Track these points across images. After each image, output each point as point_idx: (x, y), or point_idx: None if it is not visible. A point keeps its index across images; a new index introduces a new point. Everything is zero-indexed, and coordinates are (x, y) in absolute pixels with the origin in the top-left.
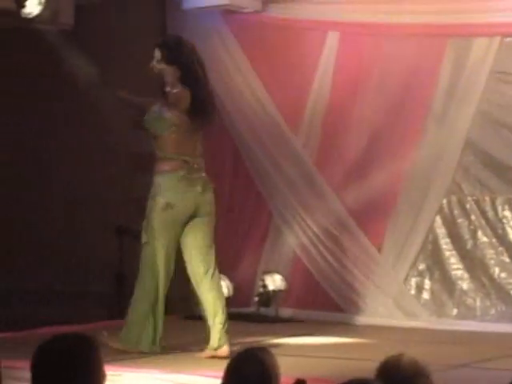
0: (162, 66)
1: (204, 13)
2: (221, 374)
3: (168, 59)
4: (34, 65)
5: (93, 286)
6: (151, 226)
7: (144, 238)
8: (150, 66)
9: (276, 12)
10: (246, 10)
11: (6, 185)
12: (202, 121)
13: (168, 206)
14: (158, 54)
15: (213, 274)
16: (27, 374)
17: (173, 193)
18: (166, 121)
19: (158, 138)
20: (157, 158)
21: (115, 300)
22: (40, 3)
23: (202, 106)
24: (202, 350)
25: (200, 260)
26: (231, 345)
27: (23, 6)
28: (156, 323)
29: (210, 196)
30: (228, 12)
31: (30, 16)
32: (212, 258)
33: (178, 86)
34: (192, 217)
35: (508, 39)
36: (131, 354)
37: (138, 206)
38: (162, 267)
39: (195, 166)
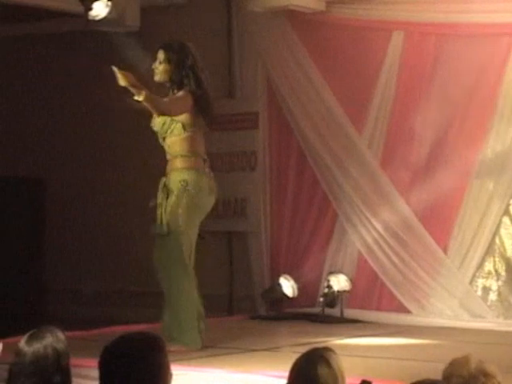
0: (166, 67)
1: (269, 13)
2: (286, 373)
3: (172, 61)
4: (101, 66)
5: (160, 286)
6: (183, 221)
7: (172, 234)
8: (152, 67)
9: (340, 12)
10: (310, 11)
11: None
12: (206, 121)
13: (200, 201)
14: (161, 55)
15: None
16: (95, 373)
17: (201, 189)
18: (179, 122)
19: (175, 139)
20: (175, 155)
21: None
22: (107, 6)
23: (207, 107)
24: (266, 349)
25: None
26: (296, 345)
27: (90, 9)
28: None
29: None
30: (292, 13)
31: (97, 18)
32: None
33: (180, 87)
34: None
35: None
36: (195, 354)
37: None
38: (188, 262)
39: (207, 164)
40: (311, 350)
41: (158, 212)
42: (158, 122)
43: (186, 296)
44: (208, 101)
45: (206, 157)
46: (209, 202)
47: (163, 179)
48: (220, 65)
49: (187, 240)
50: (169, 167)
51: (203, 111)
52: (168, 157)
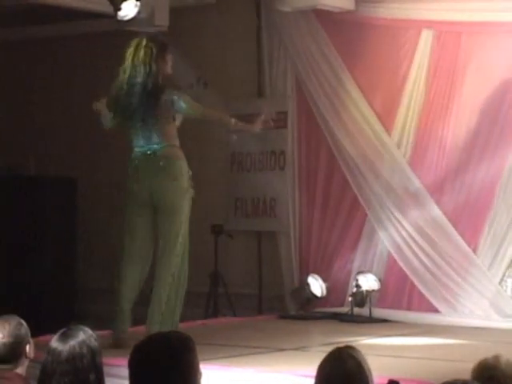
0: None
1: (298, 13)
2: (314, 373)
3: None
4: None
5: (188, 285)
6: (184, 212)
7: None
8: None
9: (369, 11)
10: (338, 10)
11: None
12: None
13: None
14: (171, 57)
15: None
16: (125, 372)
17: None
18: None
19: (173, 127)
20: (172, 145)
21: (211, 299)
22: (136, 6)
23: None
24: (295, 349)
25: None
26: (324, 345)
27: (119, 9)
28: None
29: None
30: (321, 12)
31: (126, 18)
32: None
33: None
34: None
35: None
36: (224, 353)
37: (233, 205)
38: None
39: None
40: (337, 349)
41: None
42: None
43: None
44: None
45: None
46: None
47: None
48: (249, 64)
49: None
50: None
51: None
52: None
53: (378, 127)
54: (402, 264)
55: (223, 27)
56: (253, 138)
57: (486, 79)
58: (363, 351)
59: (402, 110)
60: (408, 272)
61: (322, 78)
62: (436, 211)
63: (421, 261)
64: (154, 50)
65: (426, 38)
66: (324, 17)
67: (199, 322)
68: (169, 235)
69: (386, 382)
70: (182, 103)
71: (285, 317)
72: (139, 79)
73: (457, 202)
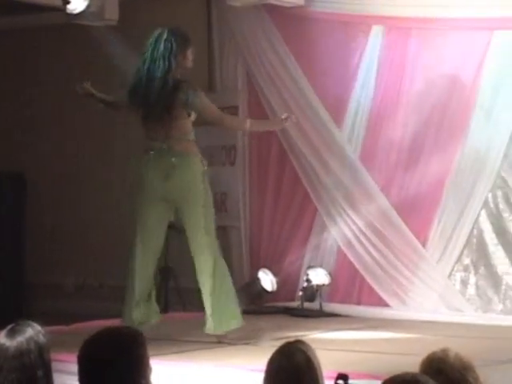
0: None
1: (249, 7)
2: (263, 367)
3: None
4: (80, 60)
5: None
6: (202, 204)
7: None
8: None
9: (319, 6)
10: (289, 5)
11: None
12: None
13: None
14: (192, 51)
15: None
16: (74, 368)
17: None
18: None
19: (188, 122)
20: (186, 139)
21: (161, 294)
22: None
23: None
24: (246, 343)
25: None
26: (275, 339)
27: (69, 2)
28: None
29: None
30: (272, 7)
31: (76, 12)
32: None
33: None
34: None
35: None
36: (172, 348)
37: None
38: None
39: None
40: (286, 344)
41: None
42: None
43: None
44: None
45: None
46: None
47: None
48: (200, 59)
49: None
50: None
51: None
52: None
53: (329, 123)
54: (352, 258)
55: (174, 21)
56: (203, 132)
57: (435, 75)
58: (313, 345)
59: (352, 106)
60: (358, 266)
61: (273, 73)
62: (386, 206)
63: (371, 255)
64: (174, 45)
65: (375, 34)
66: (275, 12)
67: None
68: (193, 227)
69: (336, 375)
70: (197, 102)
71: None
72: (158, 74)
73: (407, 196)
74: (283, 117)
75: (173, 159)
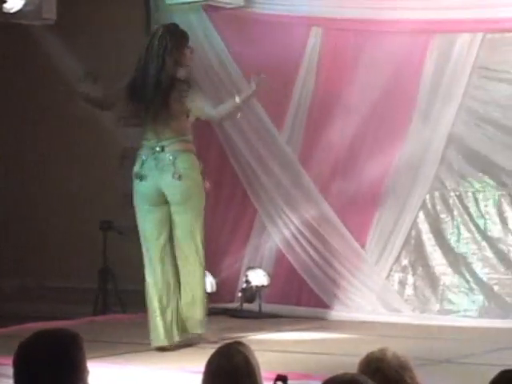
0: None
1: (187, 8)
2: (201, 369)
3: None
4: (17, 59)
5: (77, 281)
6: (196, 205)
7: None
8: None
9: (259, 7)
10: (228, 6)
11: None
12: None
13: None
14: (191, 49)
15: None
16: (10, 371)
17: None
18: None
19: (185, 121)
20: (181, 139)
21: (100, 295)
22: None
23: None
24: (185, 345)
25: None
26: (213, 341)
27: (5, 1)
28: None
29: None
30: (212, 7)
31: (13, 11)
32: None
33: None
34: None
35: (490, 35)
36: (114, 350)
37: (124, 201)
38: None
39: None
40: (225, 345)
41: None
42: None
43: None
44: None
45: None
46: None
47: None
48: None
49: None
50: None
51: None
52: None
53: (269, 124)
54: (291, 260)
55: (113, 20)
56: (140, 133)
57: (374, 77)
58: (252, 347)
59: (292, 107)
60: (297, 267)
61: (212, 73)
62: (325, 207)
63: (310, 256)
64: (169, 43)
65: (315, 35)
66: (214, 12)
67: (87, 318)
68: (184, 227)
69: (275, 377)
70: (191, 106)
71: None
72: (152, 72)
73: (346, 197)
74: (252, 81)
75: (170, 157)
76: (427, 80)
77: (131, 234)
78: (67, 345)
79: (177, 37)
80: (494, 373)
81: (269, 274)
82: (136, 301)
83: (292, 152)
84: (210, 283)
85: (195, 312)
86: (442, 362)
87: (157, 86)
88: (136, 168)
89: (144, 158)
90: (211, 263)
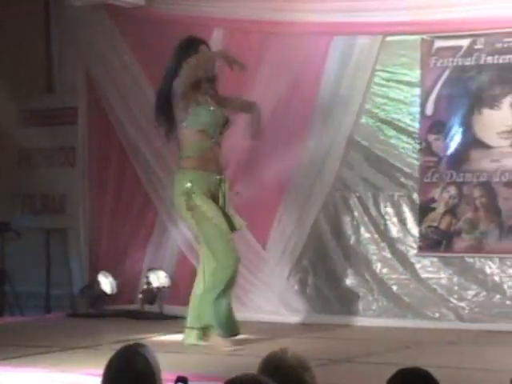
0: None
1: (89, 8)
2: (101, 371)
3: None
4: None
5: None
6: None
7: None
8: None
9: (161, 7)
10: (129, 6)
11: None
12: None
13: None
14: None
15: None
16: None
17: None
18: None
19: (187, 136)
20: (183, 156)
21: None
22: None
23: None
24: (86, 347)
25: None
26: (115, 343)
27: None
28: None
29: None
30: (113, 7)
31: None
32: None
33: None
34: None
35: (389, 38)
36: (14, 354)
37: (22, 202)
38: None
39: None
40: (125, 347)
41: (221, 210)
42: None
43: None
44: None
45: None
46: None
47: (216, 176)
48: (38, 59)
49: None
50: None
51: None
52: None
53: None
54: (192, 260)
55: (12, 21)
56: (42, 133)
57: (277, 78)
58: (153, 348)
59: None
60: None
61: (114, 74)
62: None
63: None
64: (174, 63)
65: (217, 36)
66: (116, 12)
67: None
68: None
69: (175, 378)
70: (185, 114)
71: (74, 315)
72: (163, 86)
73: (247, 198)
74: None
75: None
76: (328, 82)
77: (29, 235)
78: None
79: (179, 54)
80: (391, 371)
81: (170, 275)
82: (34, 303)
83: None
84: (111, 284)
85: None
86: (342, 361)
87: (160, 109)
88: None
89: None
90: (112, 264)
